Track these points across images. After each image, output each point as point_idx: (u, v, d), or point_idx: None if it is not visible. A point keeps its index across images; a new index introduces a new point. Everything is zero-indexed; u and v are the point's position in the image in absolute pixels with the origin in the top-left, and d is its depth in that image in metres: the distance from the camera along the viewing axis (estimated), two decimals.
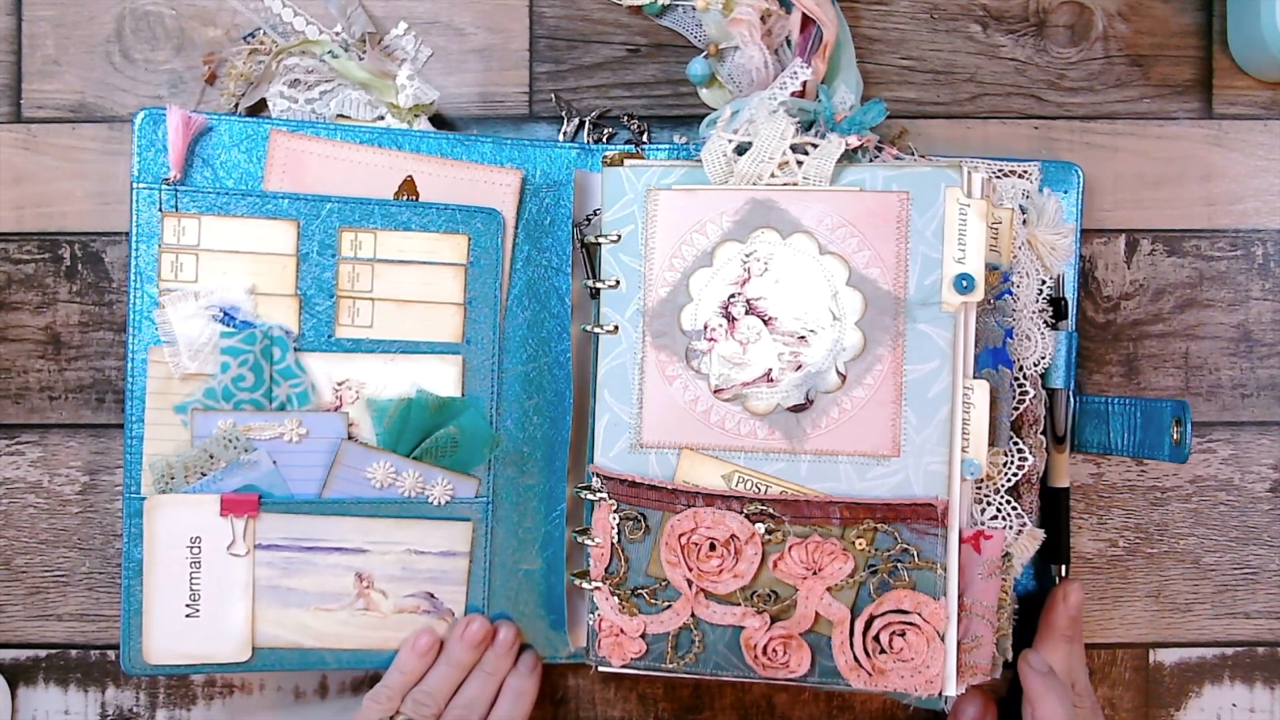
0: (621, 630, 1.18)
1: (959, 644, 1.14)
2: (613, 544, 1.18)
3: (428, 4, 1.31)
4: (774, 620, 1.15)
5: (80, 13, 1.30)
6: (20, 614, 1.30)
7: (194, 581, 1.20)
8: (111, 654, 1.31)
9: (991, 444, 1.16)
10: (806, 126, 1.19)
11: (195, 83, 1.29)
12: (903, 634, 1.13)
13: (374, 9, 1.30)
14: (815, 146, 1.16)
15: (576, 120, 1.30)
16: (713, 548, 1.15)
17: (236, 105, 1.28)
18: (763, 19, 1.24)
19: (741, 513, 1.15)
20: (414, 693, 1.20)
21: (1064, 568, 1.27)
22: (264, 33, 1.28)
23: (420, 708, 1.19)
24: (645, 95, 1.31)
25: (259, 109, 1.29)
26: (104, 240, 1.29)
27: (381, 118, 1.26)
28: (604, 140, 1.30)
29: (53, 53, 1.30)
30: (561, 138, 1.30)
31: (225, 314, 1.19)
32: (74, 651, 1.31)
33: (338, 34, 1.28)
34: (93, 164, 1.30)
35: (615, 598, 1.18)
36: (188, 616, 1.20)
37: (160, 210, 1.19)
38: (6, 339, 1.29)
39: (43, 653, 1.31)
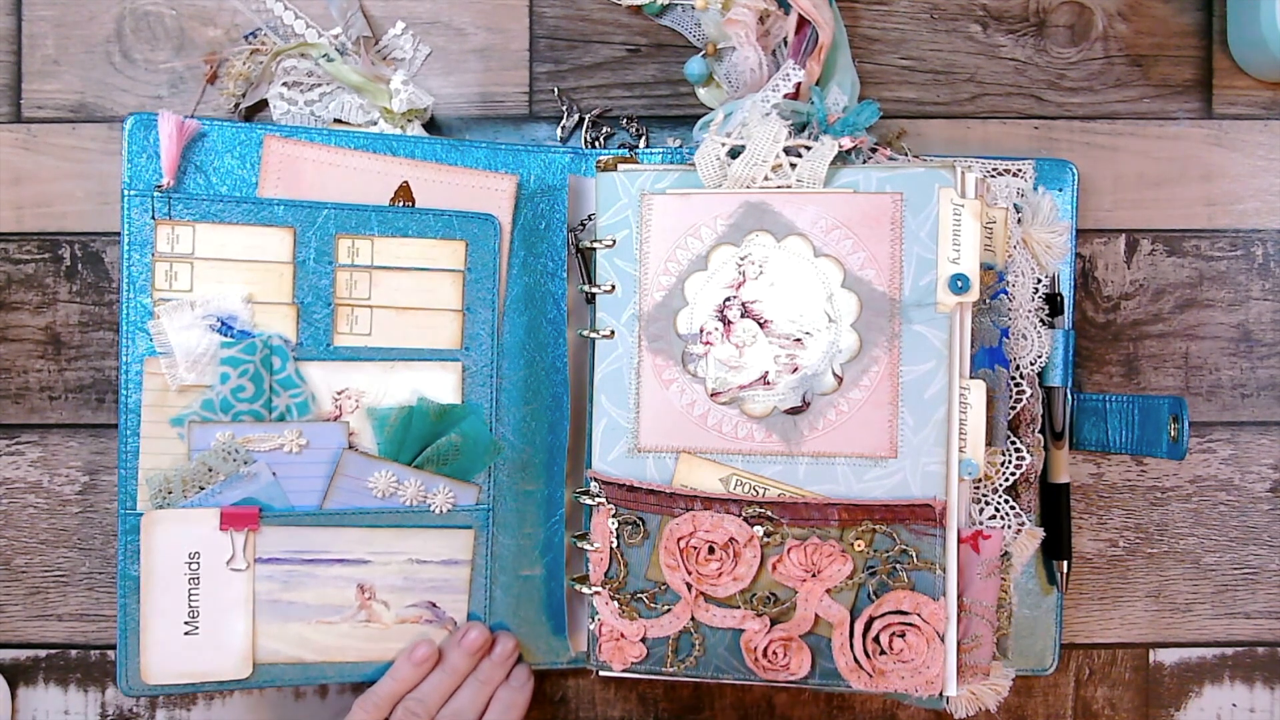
0: (622, 634, 1.18)
1: (959, 644, 1.14)
2: (612, 548, 1.18)
3: (428, 4, 1.30)
4: (774, 623, 1.15)
5: (80, 13, 1.30)
6: (20, 614, 1.31)
7: (193, 598, 1.19)
8: (112, 654, 1.31)
9: (989, 443, 1.16)
10: (800, 128, 1.19)
11: (195, 83, 1.29)
12: (902, 635, 1.13)
13: (374, 9, 1.30)
14: (808, 149, 1.16)
15: (576, 116, 1.30)
16: (711, 551, 1.15)
17: (237, 105, 1.28)
18: (761, 20, 1.24)
19: (740, 516, 1.15)
20: (406, 700, 1.20)
21: (1066, 564, 1.27)
22: (264, 33, 1.28)
23: (411, 716, 1.19)
24: (645, 95, 1.31)
25: (260, 109, 1.29)
26: (104, 240, 1.29)
27: (375, 122, 1.26)
28: (602, 140, 1.30)
29: (53, 53, 1.30)
30: (560, 133, 1.30)
31: (223, 324, 1.19)
32: (74, 651, 1.31)
33: (336, 36, 1.28)
34: (93, 164, 1.30)
35: (615, 602, 1.18)
36: (186, 634, 1.20)
37: (153, 218, 1.18)
38: (6, 339, 1.30)
39: (43, 653, 1.31)
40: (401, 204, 1.21)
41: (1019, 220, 1.22)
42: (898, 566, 1.13)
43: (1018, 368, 1.21)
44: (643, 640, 1.17)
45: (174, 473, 1.18)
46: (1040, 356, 1.22)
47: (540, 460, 1.25)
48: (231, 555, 1.19)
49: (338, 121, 1.26)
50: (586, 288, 1.20)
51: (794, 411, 1.15)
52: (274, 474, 1.20)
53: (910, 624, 1.13)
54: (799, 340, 1.15)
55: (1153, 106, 1.31)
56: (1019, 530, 1.19)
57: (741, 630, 1.16)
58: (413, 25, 1.30)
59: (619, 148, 1.30)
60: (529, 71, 1.31)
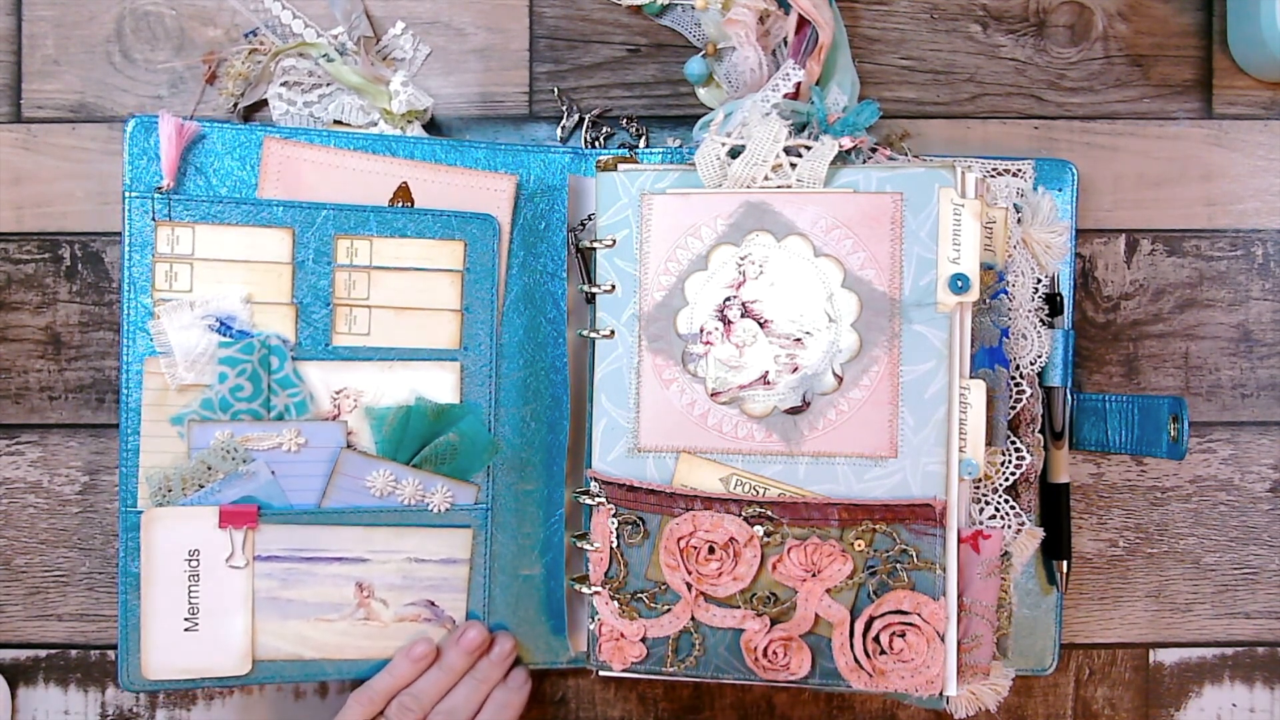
0: (622, 634, 1.18)
1: (959, 644, 1.14)
2: (612, 548, 1.18)
3: (428, 4, 1.30)
4: (774, 622, 1.15)
5: (80, 13, 1.30)
6: (20, 614, 1.31)
7: (192, 595, 1.20)
8: (111, 654, 1.31)
9: (989, 443, 1.16)
10: (800, 128, 1.19)
11: (195, 83, 1.29)
12: (902, 634, 1.13)
13: (374, 9, 1.30)
14: (808, 149, 1.16)
15: (576, 116, 1.30)
16: (712, 551, 1.15)
17: (236, 105, 1.28)
18: (761, 20, 1.24)
19: (740, 515, 1.15)
20: (401, 696, 1.20)
21: (1066, 563, 1.27)
22: (263, 33, 1.28)
23: (405, 712, 1.19)
24: (645, 95, 1.31)
25: (259, 109, 1.29)
26: (104, 240, 1.29)
27: (374, 123, 1.26)
28: (602, 140, 1.30)
29: (53, 53, 1.30)
30: (560, 133, 1.30)
31: (222, 324, 1.19)
32: (74, 651, 1.31)
33: (336, 37, 1.28)
34: (93, 164, 1.29)
35: (615, 602, 1.18)
36: (186, 630, 1.20)
37: (154, 219, 1.18)
38: (6, 339, 1.29)
39: (43, 653, 1.31)
40: (400, 204, 1.21)
41: (1019, 220, 1.22)
42: (898, 566, 1.13)
43: (1018, 368, 1.21)
44: (643, 640, 1.17)
45: (174, 471, 1.18)
46: (1040, 356, 1.22)
47: (539, 460, 1.25)
48: (231, 553, 1.20)
49: (337, 123, 1.26)
50: (586, 288, 1.20)
51: (794, 411, 1.15)
52: (273, 473, 1.19)
53: (910, 624, 1.13)
54: (799, 340, 1.15)
55: (1153, 106, 1.31)
56: (1019, 530, 1.19)
57: (741, 630, 1.16)
58: (413, 25, 1.30)
59: (619, 148, 1.30)
60: (529, 71, 1.31)
